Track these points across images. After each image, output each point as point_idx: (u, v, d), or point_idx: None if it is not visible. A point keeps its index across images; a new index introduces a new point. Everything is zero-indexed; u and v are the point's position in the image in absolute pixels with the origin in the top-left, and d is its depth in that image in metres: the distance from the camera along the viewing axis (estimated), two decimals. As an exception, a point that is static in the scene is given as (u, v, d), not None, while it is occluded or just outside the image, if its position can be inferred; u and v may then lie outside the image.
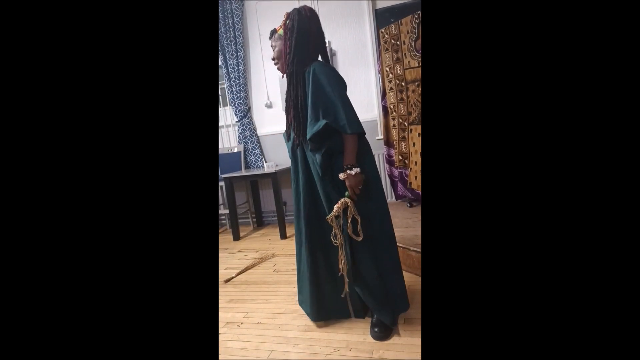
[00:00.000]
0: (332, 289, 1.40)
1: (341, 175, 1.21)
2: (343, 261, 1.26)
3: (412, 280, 1.74)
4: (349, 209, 1.21)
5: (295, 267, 2.11)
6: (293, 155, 1.38)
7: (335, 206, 1.21)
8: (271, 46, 1.38)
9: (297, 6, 1.32)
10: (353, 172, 1.18)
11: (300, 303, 1.52)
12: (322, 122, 1.16)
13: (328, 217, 1.23)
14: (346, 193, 1.22)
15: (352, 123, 1.17)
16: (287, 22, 1.27)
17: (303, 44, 1.26)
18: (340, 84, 1.24)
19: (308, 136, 1.21)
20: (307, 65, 1.25)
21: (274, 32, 1.35)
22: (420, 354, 1.17)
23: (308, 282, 1.40)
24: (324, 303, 1.42)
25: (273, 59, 1.38)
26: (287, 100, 1.37)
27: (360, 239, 1.22)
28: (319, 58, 1.33)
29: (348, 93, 1.25)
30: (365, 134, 1.25)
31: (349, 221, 1.21)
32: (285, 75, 1.33)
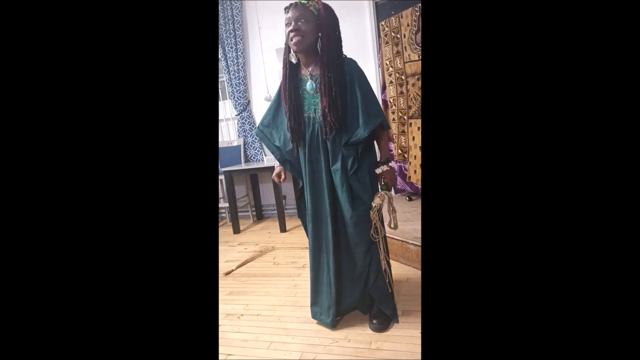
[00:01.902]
0: (350, 289, 1.35)
1: (382, 168, 1.25)
2: (383, 255, 1.28)
3: (410, 273, 1.75)
4: (388, 201, 1.25)
5: (294, 260, 2.14)
6: (310, 157, 1.29)
7: (377, 198, 1.22)
8: (293, 17, 1.18)
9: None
10: (392, 165, 1.27)
11: (316, 316, 1.40)
12: (379, 119, 1.22)
13: (372, 210, 1.21)
14: (383, 186, 1.25)
15: (386, 120, 1.27)
16: (321, 8, 1.20)
17: (338, 37, 1.25)
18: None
19: (367, 132, 1.19)
20: (340, 59, 1.24)
21: (297, 4, 1.19)
22: (417, 345, 1.19)
23: (332, 288, 1.32)
24: (341, 307, 1.37)
25: (296, 30, 1.17)
26: (324, 88, 1.20)
27: (397, 229, 1.28)
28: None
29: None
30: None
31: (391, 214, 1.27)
32: (323, 58, 1.20)
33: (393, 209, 1.27)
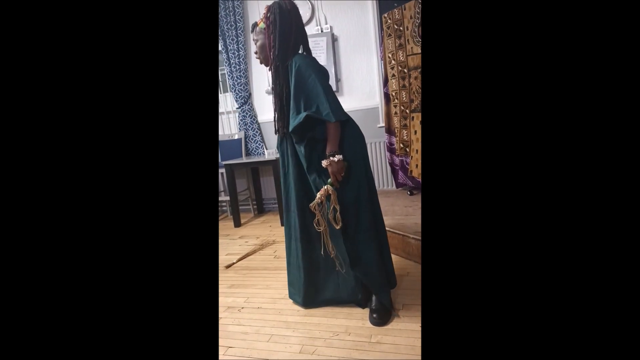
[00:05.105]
0: (325, 275, 1.44)
1: (324, 163, 1.23)
2: (330, 246, 1.31)
3: (410, 267, 1.75)
4: (331, 196, 1.24)
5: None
6: (281, 149, 1.40)
7: (318, 194, 1.24)
8: (253, 40, 1.37)
9: None
10: (336, 159, 1.21)
11: (292, 295, 1.54)
12: (303, 115, 1.20)
13: (311, 204, 1.26)
14: (329, 180, 1.25)
15: (335, 111, 1.19)
16: (269, 15, 1.27)
17: (285, 37, 1.27)
18: (322, 74, 1.26)
19: (290, 129, 1.25)
20: (290, 58, 1.27)
21: (255, 25, 1.35)
22: (417, 339, 1.20)
23: (301, 272, 1.42)
24: (318, 290, 1.46)
25: (255, 53, 1.38)
26: (274, 94, 1.37)
27: (339, 227, 1.25)
28: (300, 51, 1.34)
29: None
30: (347, 119, 1.26)
31: (331, 208, 1.24)
32: (270, 68, 1.34)
33: (334, 208, 1.23)
